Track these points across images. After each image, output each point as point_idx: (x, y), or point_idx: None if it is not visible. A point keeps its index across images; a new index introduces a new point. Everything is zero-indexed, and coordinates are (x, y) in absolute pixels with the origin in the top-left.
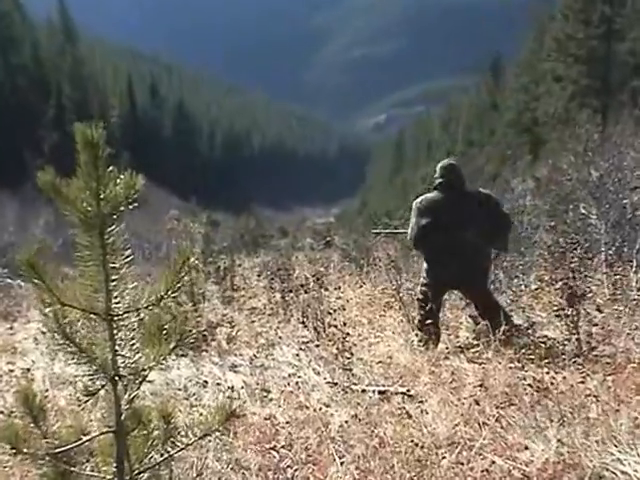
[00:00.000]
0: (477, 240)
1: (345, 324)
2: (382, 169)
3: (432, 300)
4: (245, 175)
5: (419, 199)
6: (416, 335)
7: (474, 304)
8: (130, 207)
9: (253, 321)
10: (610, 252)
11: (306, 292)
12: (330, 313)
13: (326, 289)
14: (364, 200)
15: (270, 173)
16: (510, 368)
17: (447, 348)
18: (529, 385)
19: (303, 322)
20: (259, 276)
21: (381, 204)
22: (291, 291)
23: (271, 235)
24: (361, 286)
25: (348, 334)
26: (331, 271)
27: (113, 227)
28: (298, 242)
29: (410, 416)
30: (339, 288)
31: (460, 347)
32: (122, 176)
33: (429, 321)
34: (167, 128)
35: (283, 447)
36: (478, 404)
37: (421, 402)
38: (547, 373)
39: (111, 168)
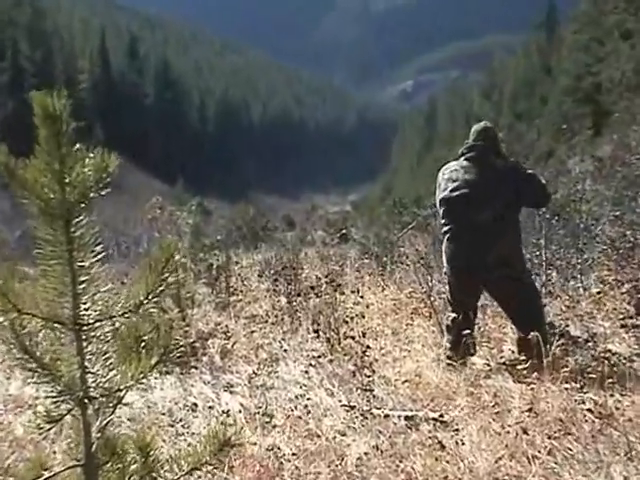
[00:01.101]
0: (501, 222)
1: (364, 335)
2: (410, 146)
3: (456, 296)
4: (243, 154)
5: (443, 168)
6: (446, 346)
7: (504, 311)
8: (102, 193)
9: (253, 331)
10: None
11: (317, 296)
12: (346, 322)
13: (342, 293)
14: (388, 184)
15: (274, 152)
16: (566, 390)
17: (488, 364)
18: (589, 410)
19: (314, 332)
20: (260, 276)
21: (409, 189)
22: (299, 295)
23: (274, 227)
24: (384, 289)
25: (368, 347)
26: (347, 270)
27: (81, 218)
28: (307, 235)
29: (443, 447)
30: (357, 291)
31: (504, 363)
32: (92, 155)
33: (460, 325)
34: (148, 96)
35: None
36: (526, 433)
37: (457, 430)
38: (611, 396)
39: (78, 146)
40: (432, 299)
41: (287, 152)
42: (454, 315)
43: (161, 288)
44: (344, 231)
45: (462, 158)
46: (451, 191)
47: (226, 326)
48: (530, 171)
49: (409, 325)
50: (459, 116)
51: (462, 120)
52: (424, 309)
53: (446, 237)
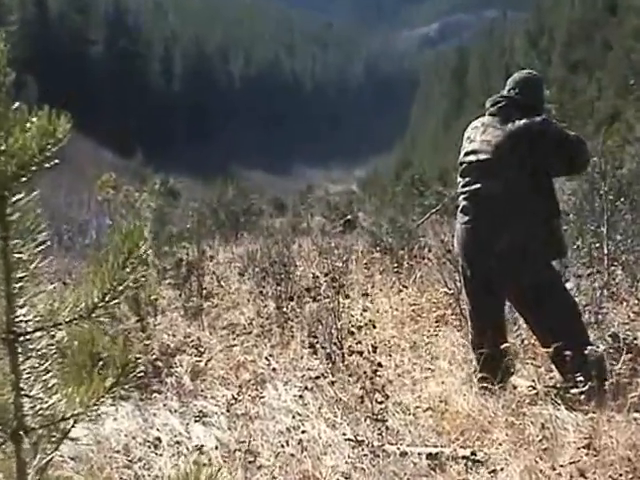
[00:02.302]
0: (515, 195)
1: (375, 349)
2: (434, 108)
3: (471, 296)
4: (220, 119)
5: (470, 125)
6: (475, 364)
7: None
8: (47, 165)
9: (232, 345)
10: None
11: (315, 300)
12: (352, 332)
13: (346, 296)
14: (405, 157)
15: (259, 116)
16: (635, 420)
17: (534, 387)
18: None
19: (310, 346)
20: (241, 275)
21: (432, 163)
22: (292, 298)
23: (260, 211)
24: (401, 290)
25: (380, 365)
26: (353, 267)
27: (20, 196)
28: (302, 222)
29: None
30: (366, 294)
31: (555, 386)
32: (36, 117)
33: (486, 336)
34: (96, 44)
35: None
36: (584, 476)
37: (494, 472)
38: None
39: (17, 105)
40: (462, 304)
41: (276, 116)
42: (471, 323)
43: (120, 289)
44: (349, 217)
45: (487, 113)
46: (465, 154)
47: (198, 339)
48: (559, 127)
49: (432, 337)
50: (496, 69)
51: (500, 74)
52: (452, 316)
53: (457, 215)
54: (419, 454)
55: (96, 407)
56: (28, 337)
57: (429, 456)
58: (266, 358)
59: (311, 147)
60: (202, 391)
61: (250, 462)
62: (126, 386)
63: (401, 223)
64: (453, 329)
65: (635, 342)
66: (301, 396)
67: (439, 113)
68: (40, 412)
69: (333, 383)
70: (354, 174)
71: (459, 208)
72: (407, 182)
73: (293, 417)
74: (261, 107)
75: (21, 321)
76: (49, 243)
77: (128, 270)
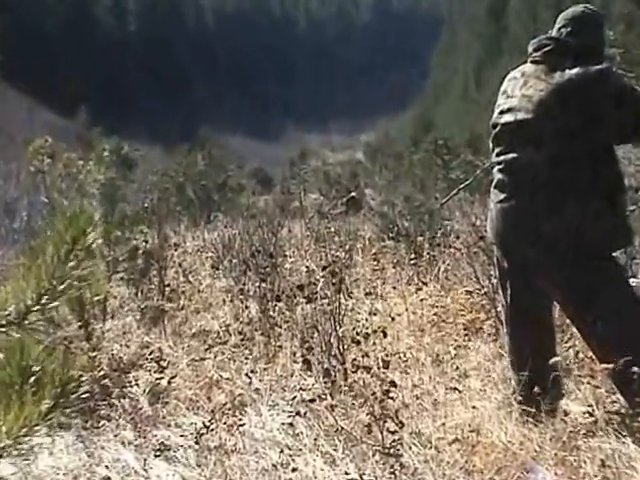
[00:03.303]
0: (564, 167)
1: (387, 364)
2: (463, 55)
3: (506, 294)
4: (189, 71)
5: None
6: (515, 381)
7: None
8: None
9: (203, 358)
10: None
11: (309, 300)
12: (357, 342)
13: (349, 295)
14: (425, 117)
15: (237, 65)
16: None
17: (591, 413)
18: None
19: (304, 360)
20: (215, 268)
21: (460, 124)
22: (280, 299)
23: (239, 186)
24: (419, 288)
25: (393, 384)
26: (359, 259)
27: None
28: (294, 201)
29: None
30: (375, 293)
31: (618, 412)
32: None
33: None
34: None
35: None
36: None
37: None
38: None
39: None
40: (497, 306)
41: (260, 66)
42: (509, 330)
43: (61, 288)
44: (353, 194)
45: (530, 60)
46: (501, 114)
47: (159, 350)
48: (623, 79)
49: (460, 348)
50: (543, 3)
51: (549, 10)
52: (485, 322)
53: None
54: None
55: (27, 438)
56: None
57: None
58: (246, 375)
59: (304, 104)
60: (164, 417)
61: None
62: (66, 411)
63: (420, 202)
64: (487, 338)
65: None
66: (291, 424)
67: (470, 60)
68: None
69: (332, 407)
70: (359, 139)
71: (493, 183)
72: (428, 149)
73: (281, 451)
74: (240, 53)
75: None
76: None
77: (72, 264)
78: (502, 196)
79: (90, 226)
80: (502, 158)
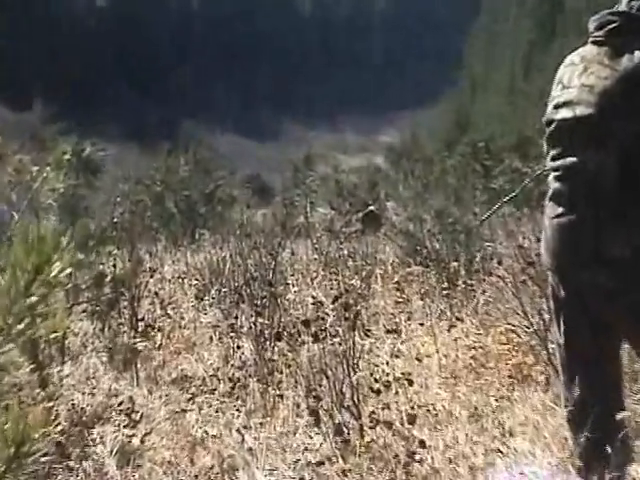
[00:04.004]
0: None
1: (413, 419)
2: (508, 34)
3: (569, 330)
4: (168, 55)
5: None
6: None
7: None
8: None
9: (185, 410)
10: None
11: (317, 339)
12: (377, 392)
13: (366, 332)
14: (462, 114)
15: (229, 51)
16: None
17: None
18: None
19: (310, 413)
20: (200, 299)
21: (506, 123)
22: (279, 337)
23: (231, 198)
24: (453, 325)
25: (422, 444)
26: (378, 288)
27: None
28: (297, 215)
29: None
30: (397, 331)
31: None
32: None
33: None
34: None
35: None
36: None
37: None
38: None
39: None
40: (551, 348)
41: (255, 50)
42: (566, 378)
43: (20, 328)
44: (372, 208)
45: (591, 41)
46: (556, 108)
47: (130, 400)
48: None
49: (504, 400)
50: None
51: None
52: (534, 366)
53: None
54: None
55: None
56: None
57: None
58: (238, 432)
59: (311, 97)
60: None
61: None
62: (20, 478)
63: (454, 218)
64: (536, 387)
65: None
66: None
67: (517, 43)
68: None
69: (345, 473)
70: (378, 140)
71: (548, 194)
72: (464, 153)
73: None
74: (231, 35)
75: None
76: None
77: (36, 298)
78: (559, 210)
79: (57, 252)
80: (559, 163)
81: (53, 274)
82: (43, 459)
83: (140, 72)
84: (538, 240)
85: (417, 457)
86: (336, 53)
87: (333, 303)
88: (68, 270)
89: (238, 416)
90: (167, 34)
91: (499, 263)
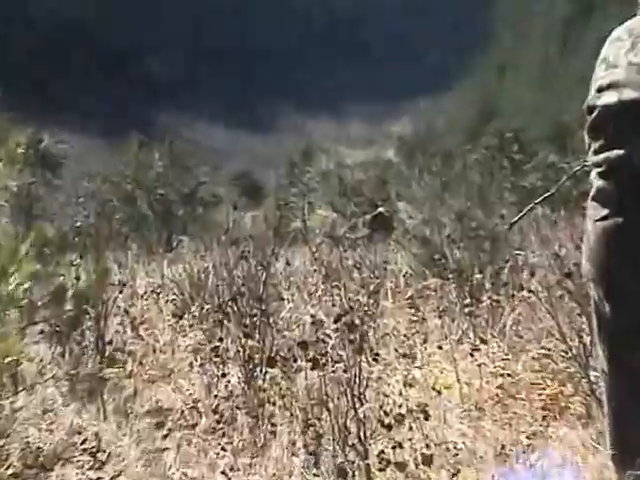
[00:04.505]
0: None
1: (430, 459)
2: (541, 8)
3: (615, 353)
4: (141, 34)
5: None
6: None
7: None
8: None
9: (161, 449)
10: None
11: (315, 365)
12: (386, 426)
13: (374, 357)
14: (487, 101)
15: (213, 29)
16: None
17: None
18: None
19: (309, 452)
20: (179, 317)
21: (539, 111)
22: (272, 362)
23: (215, 197)
24: (477, 348)
25: None
26: (388, 304)
27: None
28: (294, 218)
29: None
30: (411, 356)
31: None
32: None
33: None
34: None
35: None
36: None
37: None
38: None
39: None
40: (594, 373)
41: (243, 26)
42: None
43: None
44: (381, 209)
45: (639, 11)
46: (599, 91)
47: (96, 436)
48: None
49: (536, 437)
50: None
51: None
52: (573, 397)
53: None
54: None
55: None
56: None
57: None
58: (224, 474)
59: (310, 82)
60: None
61: None
62: None
63: (478, 222)
64: (575, 422)
65: None
66: None
67: (551, 20)
68: None
69: None
70: (389, 130)
71: (591, 193)
72: (490, 146)
73: None
74: (217, 10)
75: None
76: None
77: None
78: (604, 212)
79: (12, 264)
80: (603, 157)
81: (10, 288)
82: None
83: (108, 53)
84: (578, 247)
85: None
86: (338, 27)
87: (335, 323)
88: (27, 284)
89: (223, 456)
90: (140, 8)
91: (531, 275)
